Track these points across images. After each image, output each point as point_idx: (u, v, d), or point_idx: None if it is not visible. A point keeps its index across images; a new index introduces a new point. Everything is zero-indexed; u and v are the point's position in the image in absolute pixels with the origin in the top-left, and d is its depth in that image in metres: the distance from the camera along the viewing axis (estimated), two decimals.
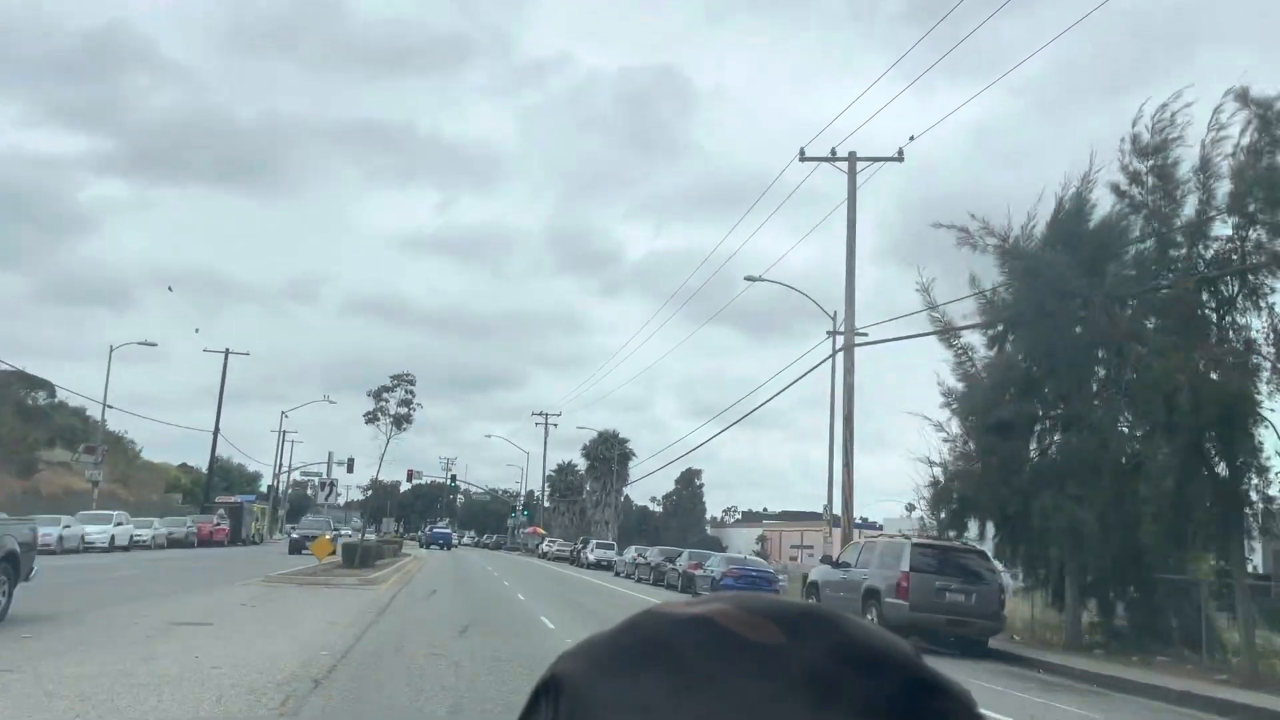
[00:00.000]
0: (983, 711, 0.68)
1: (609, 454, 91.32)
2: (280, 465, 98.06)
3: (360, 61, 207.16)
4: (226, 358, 75.67)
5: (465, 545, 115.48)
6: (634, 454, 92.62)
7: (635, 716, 0.62)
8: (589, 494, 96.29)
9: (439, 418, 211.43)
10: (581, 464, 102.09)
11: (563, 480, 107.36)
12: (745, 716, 0.61)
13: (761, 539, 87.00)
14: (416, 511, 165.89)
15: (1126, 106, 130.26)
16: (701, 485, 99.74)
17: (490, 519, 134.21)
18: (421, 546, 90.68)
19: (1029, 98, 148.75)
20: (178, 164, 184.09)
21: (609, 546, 63.16)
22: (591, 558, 60.72)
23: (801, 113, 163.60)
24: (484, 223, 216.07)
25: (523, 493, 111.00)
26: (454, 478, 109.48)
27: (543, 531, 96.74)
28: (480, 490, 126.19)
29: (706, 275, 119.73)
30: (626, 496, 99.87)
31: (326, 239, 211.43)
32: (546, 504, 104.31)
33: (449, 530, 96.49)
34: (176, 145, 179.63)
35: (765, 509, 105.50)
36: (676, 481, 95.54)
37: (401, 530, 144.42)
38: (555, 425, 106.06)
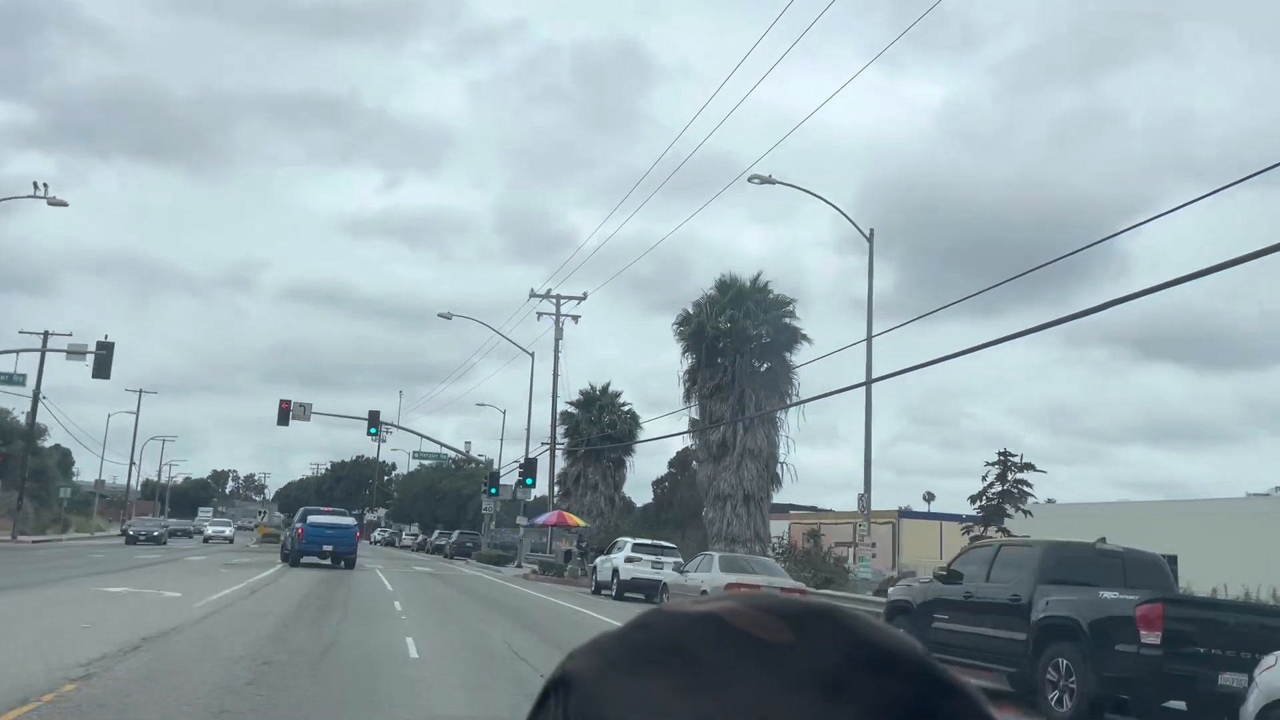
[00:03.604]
0: (992, 712, 0.64)
1: (752, 331, 37.09)
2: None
3: (300, 26, 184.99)
4: None
5: (401, 551, 69.99)
6: (807, 338, 38.75)
7: (644, 715, 0.60)
8: (708, 422, 39.13)
9: (381, 411, 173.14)
10: (628, 395, 48.02)
11: (593, 421, 53.19)
12: (754, 715, 0.59)
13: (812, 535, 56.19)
14: (336, 500, 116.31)
15: (1101, 87, 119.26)
16: None
17: (448, 506, 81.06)
18: (283, 561, 36.95)
19: (1001, 78, 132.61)
20: (102, 138, 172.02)
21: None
22: None
23: (770, 92, 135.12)
24: (431, 204, 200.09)
25: (528, 428, 55.15)
26: (378, 419, 54.80)
27: (579, 522, 42.92)
28: (438, 452, 71.24)
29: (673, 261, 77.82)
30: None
31: (264, 219, 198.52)
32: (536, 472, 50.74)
33: (349, 521, 38.51)
34: (101, 117, 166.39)
35: None
36: (670, 465, 71.09)
37: (282, 523, 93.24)
38: (576, 318, 53.43)
